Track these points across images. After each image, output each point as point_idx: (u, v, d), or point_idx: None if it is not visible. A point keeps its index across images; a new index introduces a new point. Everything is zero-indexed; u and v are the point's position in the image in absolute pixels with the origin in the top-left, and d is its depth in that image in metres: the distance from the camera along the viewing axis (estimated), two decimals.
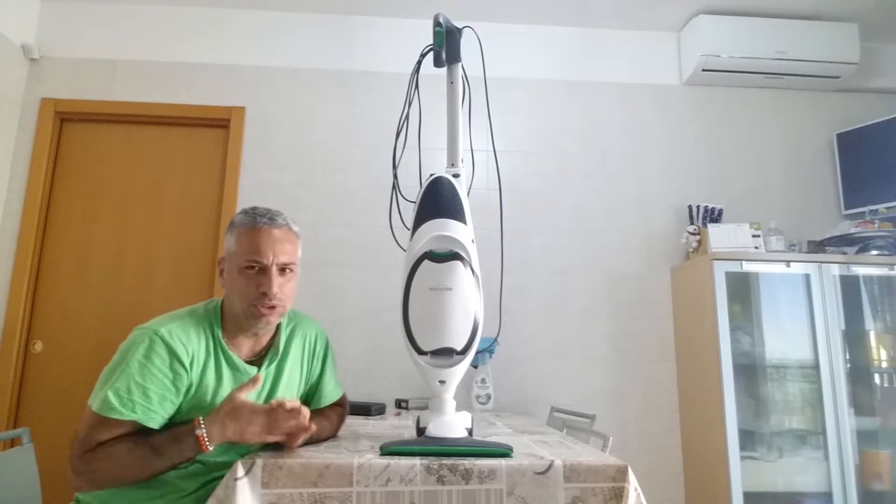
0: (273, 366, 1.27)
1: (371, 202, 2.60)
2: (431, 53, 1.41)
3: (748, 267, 2.28)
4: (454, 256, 1.19)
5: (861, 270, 2.32)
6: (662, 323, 2.59)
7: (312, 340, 1.37)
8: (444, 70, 1.43)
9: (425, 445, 1.10)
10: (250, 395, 1.22)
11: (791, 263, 2.29)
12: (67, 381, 2.41)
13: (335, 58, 2.73)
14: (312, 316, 1.42)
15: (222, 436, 1.05)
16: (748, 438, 2.20)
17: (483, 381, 2.29)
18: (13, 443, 1.97)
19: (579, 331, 2.56)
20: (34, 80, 2.61)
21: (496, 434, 1.45)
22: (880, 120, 2.62)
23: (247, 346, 1.24)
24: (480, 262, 1.25)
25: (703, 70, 2.69)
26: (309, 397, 1.38)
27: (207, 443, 1.04)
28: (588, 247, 2.64)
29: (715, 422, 2.18)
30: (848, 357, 2.26)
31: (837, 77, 2.70)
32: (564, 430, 1.86)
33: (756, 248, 2.35)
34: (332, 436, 1.35)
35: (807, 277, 2.29)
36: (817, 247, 2.51)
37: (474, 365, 2.27)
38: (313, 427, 1.11)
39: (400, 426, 1.63)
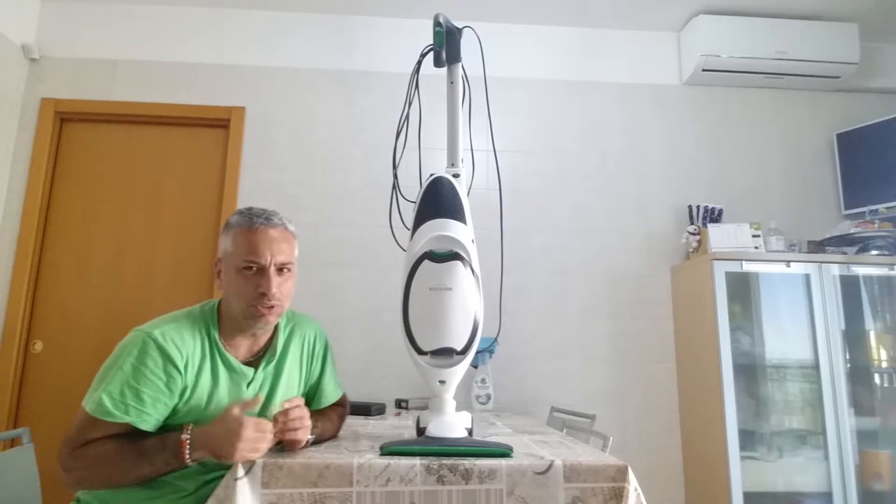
0: (271, 366, 1.27)
1: (371, 202, 2.60)
2: (431, 53, 1.41)
3: (748, 267, 2.28)
4: (454, 256, 1.19)
5: (861, 270, 2.32)
6: (662, 323, 2.59)
7: (312, 340, 1.37)
8: (444, 70, 1.43)
9: (425, 445, 1.10)
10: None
11: (791, 263, 2.29)
12: (67, 381, 2.41)
13: (335, 58, 2.73)
14: (312, 316, 1.42)
15: (205, 445, 1.03)
16: (748, 438, 2.20)
17: (483, 381, 2.29)
18: (13, 443, 1.97)
19: (579, 331, 2.56)
20: (34, 80, 2.61)
21: (496, 434, 1.45)
22: (880, 120, 2.62)
23: (244, 346, 1.24)
24: (480, 262, 1.25)
25: (703, 70, 2.69)
26: (309, 398, 1.38)
27: (189, 451, 1.02)
28: (588, 247, 2.64)
29: (715, 422, 2.18)
30: (848, 357, 2.26)
31: (837, 77, 2.70)
32: (564, 430, 1.86)
33: (756, 248, 2.35)
34: (333, 436, 1.35)
35: (807, 277, 2.29)
36: (817, 247, 2.51)
37: (474, 365, 2.27)
38: (296, 419, 1.10)
39: (400, 426, 1.63)
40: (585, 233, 2.65)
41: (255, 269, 1.17)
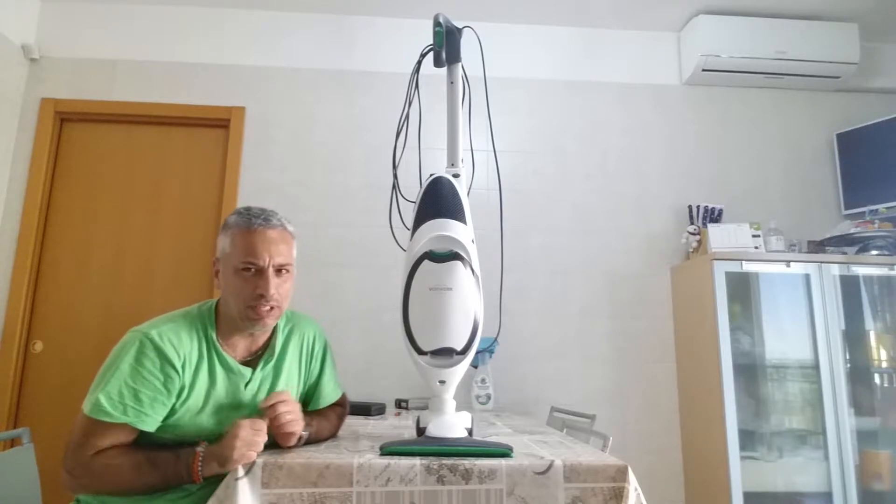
0: (270, 366, 1.27)
1: (371, 202, 2.60)
2: (431, 53, 1.41)
3: (748, 267, 2.28)
4: (454, 256, 1.19)
5: (861, 270, 2.32)
6: (662, 323, 2.59)
7: (311, 341, 1.37)
8: (444, 70, 1.43)
9: (425, 445, 1.10)
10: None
11: (791, 263, 2.29)
12: (67, 381, 2.41)
13: (335, 58, 2.73)
14: (312, 316, 1.42)
15: (215, 457, 1.04)
16: (748, 438, 2.20)
17: (483, 381, 2.29)
18: (13, 443, 1.97)
19: (579, 331, 2.56)
20: (34, 80, 2.61)
21: (496, 434, 1.45)
22: (880, 120, 2.62)
23: (242, 346, 1.24)
24: (480, 262, 1.25)
25: (703, 70, 2.69)
26: (308, 397, 1.38)
27: (201, 464, 1.04)
28: (588, 247, 2.64)
29: (715, 422, 2.18)
30: (848, 357, 2.26)
31: (837, 77, 2.70)
32: (564, 430, 1.86)
33: (756, 248, 2.35)
34: (333, 436, 1.35)
35: (807, 277, 2.29)
36: (817, 247, 2.51)
37: (474, 365, 2.27)
38: (281, 413, 1.11)
39: (400, 426, 1.63)
40: (585, 233, 2.65)
41: (253, 270, 1.17)
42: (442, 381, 1.19)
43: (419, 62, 1.45)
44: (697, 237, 2.51)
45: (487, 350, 2.25)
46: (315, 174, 2.61)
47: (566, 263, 2.62)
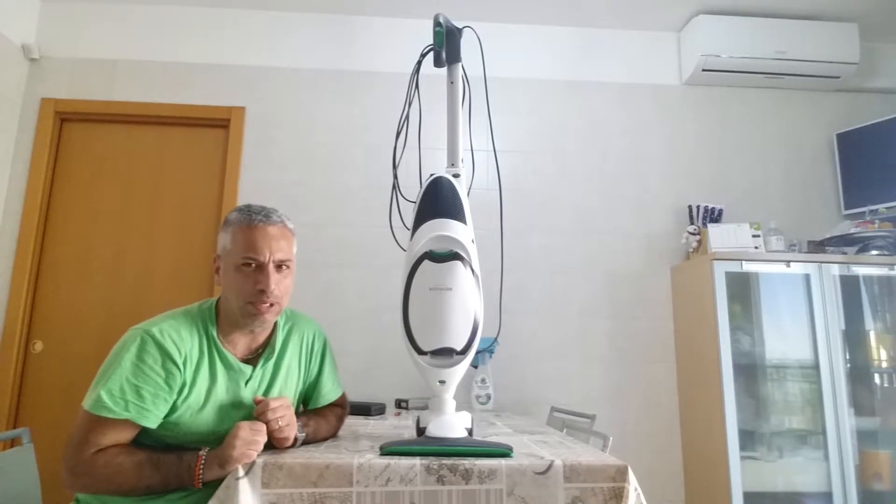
0: (270, 364, 1.27)
1: (371, 202, 2.60)
2: (431, 53, 1.41)
3: (748, 267, 2.28)
4: (454, 256, 1.19)
5: (861, 270, 2.32)
6: (662, 323, 2.59)
7: (310, 340, 1.37)
8: (444, 70, 1.43)
9: (425, 445, 1.10)
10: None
11: (791, 263, 2.29)
12: (67, 381, 2.41)
13: (335, 58, 2.73)
14: (312, 316, 1.42)
15: (216, 460, 1.05)
16: (748, 438, 2.20)
17: (483, 381, 2.29)
18: (13, 443, 1.97)
19: (579, 331, 2.56)
20: (34, 80, 2.61)
21: (496, 434, 1.45)
22: (880, 120, 2.62)
23: (243, 343, 1.24)
24: (480, 262, 1.25)
25: (703, 70, 2.69)
26: (307, 396, 1.38)
27: (203, 467, 1.05)
28: (588, 247, 2.64)
29: (715, 422, 2.18)
30: (848, 357, 2.26)
31: (837, 77, 2.70)
32: (564, 430, 1.86)
33: (756, 248, 2.35)
34: (332, 436, 1.35)
35: (807, 277, 2.29)
36: (817, 247, 2.51)
37: (474, 365, 2.27)
38: (272, 420, 1.11)
39: (400, 426, 1.63)
40: (585, 233, 2.65)
41: (253, 265, 1.17)
42: (442, 381, 1.19)
43: (419, 62, 1.45)
44: (697, 237, 2.51)
45: (487, 350, 2.25)
46: (315, 174, 2.61)
47: (566, 263, 2.62)
